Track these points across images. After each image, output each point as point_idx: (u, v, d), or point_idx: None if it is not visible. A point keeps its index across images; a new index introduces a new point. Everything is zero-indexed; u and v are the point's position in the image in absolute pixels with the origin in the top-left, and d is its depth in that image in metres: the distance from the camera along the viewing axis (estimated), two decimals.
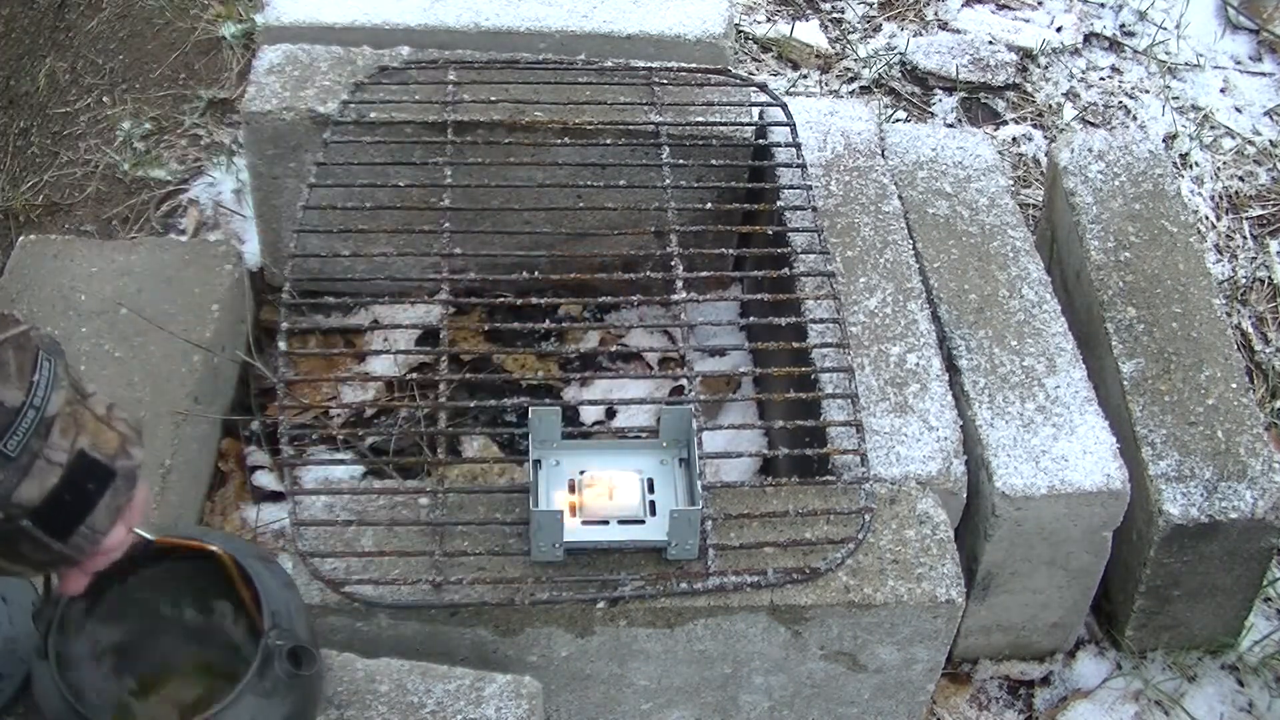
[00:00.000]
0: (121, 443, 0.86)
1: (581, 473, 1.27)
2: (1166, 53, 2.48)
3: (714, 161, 1.66)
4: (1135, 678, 1.56)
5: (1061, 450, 1.41)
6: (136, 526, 0.92)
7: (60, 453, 0.82)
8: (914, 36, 2.46)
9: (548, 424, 1.27)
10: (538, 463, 1.27)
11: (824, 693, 1.35)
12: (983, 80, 2.38)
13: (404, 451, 1.67)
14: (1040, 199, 2.05)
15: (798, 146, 1.64)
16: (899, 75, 2.39)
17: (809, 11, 2.52)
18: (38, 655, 1.00)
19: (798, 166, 1.62)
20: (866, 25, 2.50)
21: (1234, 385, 1.52)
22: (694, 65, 1.73)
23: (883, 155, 1.73)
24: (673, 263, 1.49)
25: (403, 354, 1.73)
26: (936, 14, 2.53)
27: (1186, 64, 2.46)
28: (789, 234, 1.56)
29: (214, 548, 1.05)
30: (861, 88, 2.36)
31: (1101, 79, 2.44)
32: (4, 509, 0.81)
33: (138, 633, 1.10)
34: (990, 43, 2.45)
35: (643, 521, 1.25)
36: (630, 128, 1.63)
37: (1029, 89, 2.39)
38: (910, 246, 1.61)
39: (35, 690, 1.02)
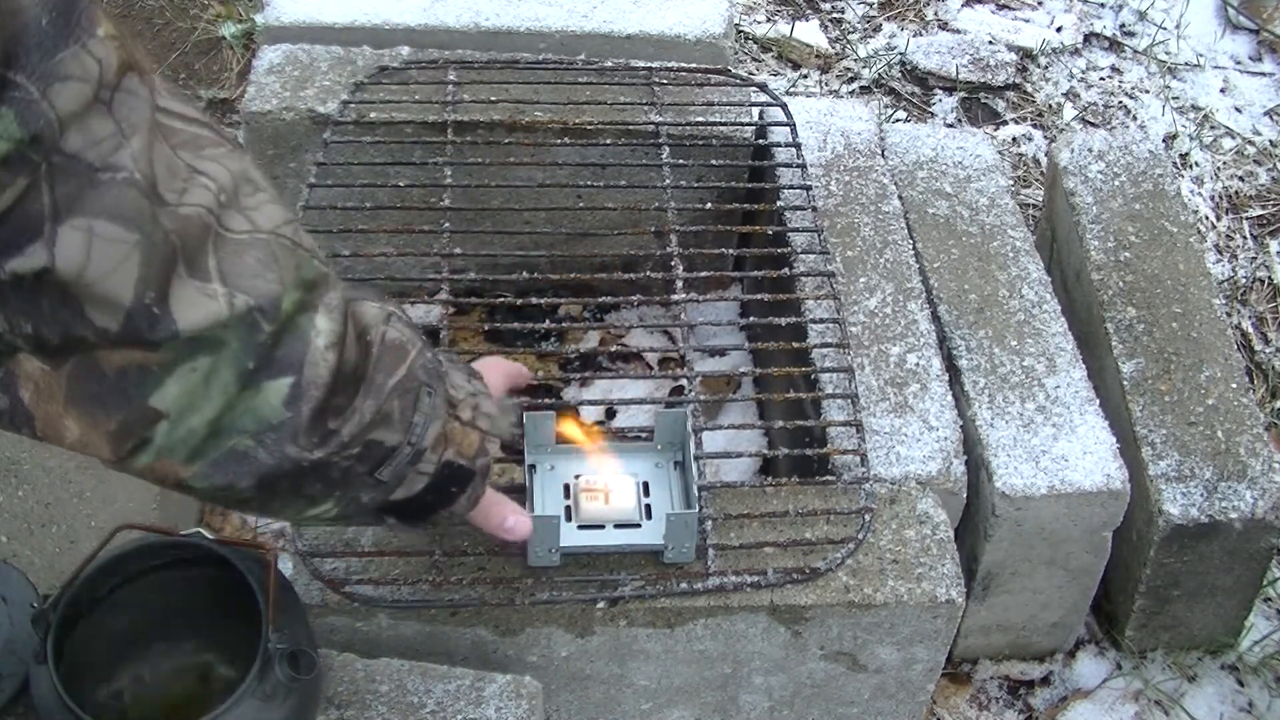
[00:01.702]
0: (481, 442, 0.92)
1: (577, 477, 1.27)
2: (1166, 53, 2.48)
3: (714, 161, 1.66)
4: (1135, 678, 1.57)
5: (1061, 450, 1.41)
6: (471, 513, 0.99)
7: (429, 465, 0.88)
8: (914, 36, 2.46)
9: (542, 428, 1.27)
10: (533, 467, 1.27)
11: (824, 693, 1.35)
12: (983, 80, 2.38)
13: None
14: (1040, 199, 2.05)
15: (798, 146, 1.64)
16: (899, 75, 2.39)
17: (809, 11, 2.52)
18: (36, 660, 1.00)
19: (798, 166, 1.62)
20: (866, 25, 2.50)
21: (1234, 385, 1.52)
22: (694, 65, 1.73)
23: (883, 155, 1.73)
24: (673, 263, 1.49)
25: None
26: (936, 14, 2.53)
27: (1186, 64, 2.47)
28: (789, 234, 1.57)
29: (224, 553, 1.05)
30: (861, 88, 2.36)
31: (1101, 79, 2.44)
32: (373, 512, 0.89)
33: (137, 636, 1.10)
34: (990, 43, 2.45)
35: (639, 525, 1.24)
36: (630, 128, 1.63)
37: (1029, 89, 2.39)
38: (910, 246, 1.61)
39: (34, 693, 1.02)
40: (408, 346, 0.86)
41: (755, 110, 1.71)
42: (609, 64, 1.71)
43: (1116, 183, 1.73)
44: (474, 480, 0.93)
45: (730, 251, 1.71)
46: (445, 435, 0.88)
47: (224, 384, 0.72)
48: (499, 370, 1.05)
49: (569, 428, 1.26)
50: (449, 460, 0.89)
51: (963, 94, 2.36)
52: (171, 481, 0.76)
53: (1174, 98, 2.40)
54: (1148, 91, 2.41)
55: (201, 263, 0.70)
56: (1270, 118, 2.39)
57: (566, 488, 1.26)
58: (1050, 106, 2.36)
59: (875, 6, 2.54)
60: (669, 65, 1.72)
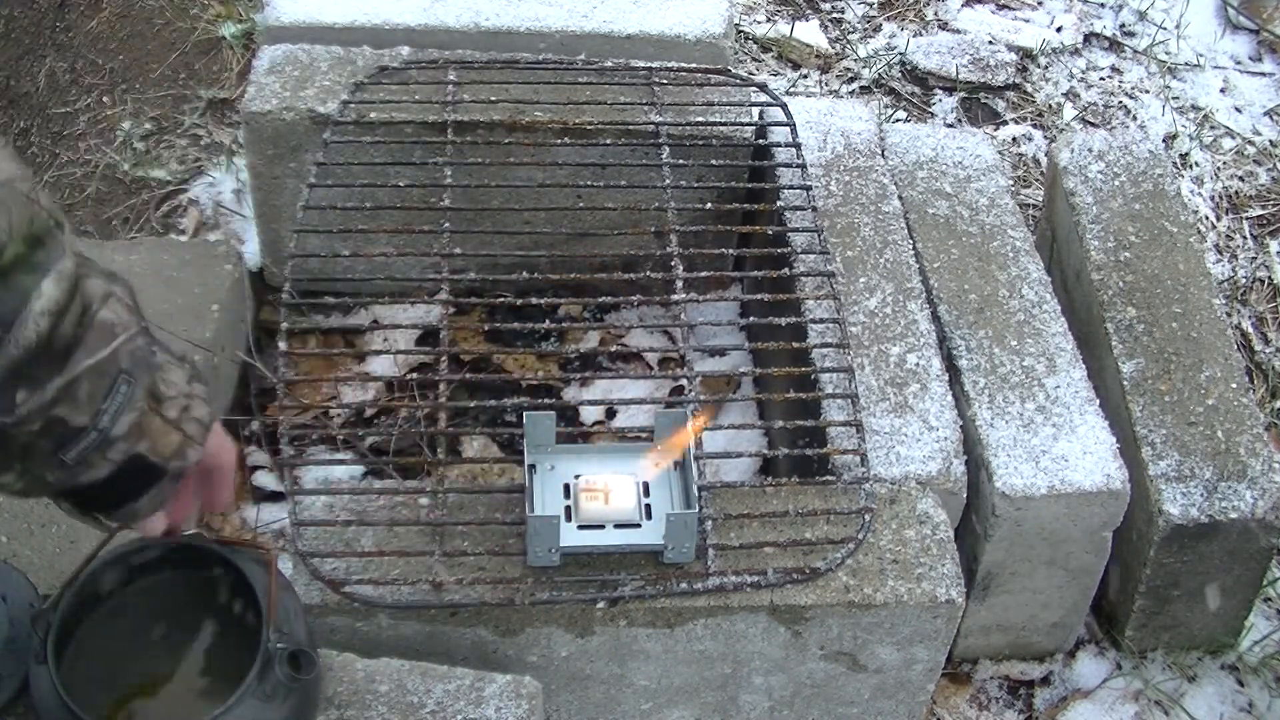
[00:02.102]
0: (181, 445, 0.89)
1: (576, 477, 1.27)
2: (1166, 53, 2.48)
3: (714, 161, 1.66)
4: (1135, 678, 1.56)
5: (1061, 450, 1.41)
6: (179, 519, 0.96)
7: (118, 454, 0.85)
8: (914, 36, 2.46)
9: (542, 428, 1.27)
10: (533, 467, 1.26)
11: (824, 693, 1.35)
12: (983, 80, 2.38)
13: (404, 451, 1.66)
14: (1040, 199, 2.05)
15: (798, 146, 1.64)
16: (899, 75, 2.39)
17: (809, 11, 2.52)
18: (36, 660, 1.00)
19: (798, 166, 1.62)
20: (866, 25, 2.50)
21: (1234, 385, 1.52)
22: (694, 65, 1.73)
23: (883, 155, 1.73)
24: (673, 263, 1.49)
25: (403, 354, 1.73)
26: (936, 14, 2.53)
27: (1186, 64, 2.46)
28: (789, 234, 1.57)
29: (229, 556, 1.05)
30: (861, 88, 2.36)
31: (1101, 79, 2.44)
32: (55, 493, 0.86)
33: (138, 635, 1.10)
34: (990, 43, 2.45)
35: (639, 525, 1.24)
36: (630, 128, 1.63)
37: (1029, 89, 2.39)
38: (910, 246, 1.61)
39: (34, 694, 1.02)
40: (116, 330, 0.82)
41: (755, 110, 1.71)
42: (609, 64, 1.71)
43: (1116, 183, 1.73)
44: (162, 481, 0.89)
45: (730, 251, 1.71)
46: (141, 427, 0.85)
47: None
48: (225, 448, 0.99)
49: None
50: (139, 454, 0.86)
51: (963, 94, 2.36)
52: None
53: (1174, 98, 2.40)
54: (1148, 91, 2.41)
55: None
56: (1270, 118, 2.38)
57: (566, 488, 1.26)
58: (1050, 106, 2.36)
59: (875, 6, 2.54)
60: (669, 65, 1.72)
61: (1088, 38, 2.52)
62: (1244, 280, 2.10)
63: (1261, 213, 2.21)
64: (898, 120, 2.27)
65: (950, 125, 2.30)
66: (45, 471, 0.83)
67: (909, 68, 2.41)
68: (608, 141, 1.63)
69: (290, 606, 1.06)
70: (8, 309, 0.74)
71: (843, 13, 2.52)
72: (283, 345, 1.37)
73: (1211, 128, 2.34)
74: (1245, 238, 2.17)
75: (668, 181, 1.58)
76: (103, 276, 0.83)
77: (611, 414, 1.73)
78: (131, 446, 0.85)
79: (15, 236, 0.73)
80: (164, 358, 0.89)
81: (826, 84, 2.37)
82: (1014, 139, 2.29)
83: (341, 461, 1.62)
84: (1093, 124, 2.33)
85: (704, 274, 1.54)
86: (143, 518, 0.91)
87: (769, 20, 2.48)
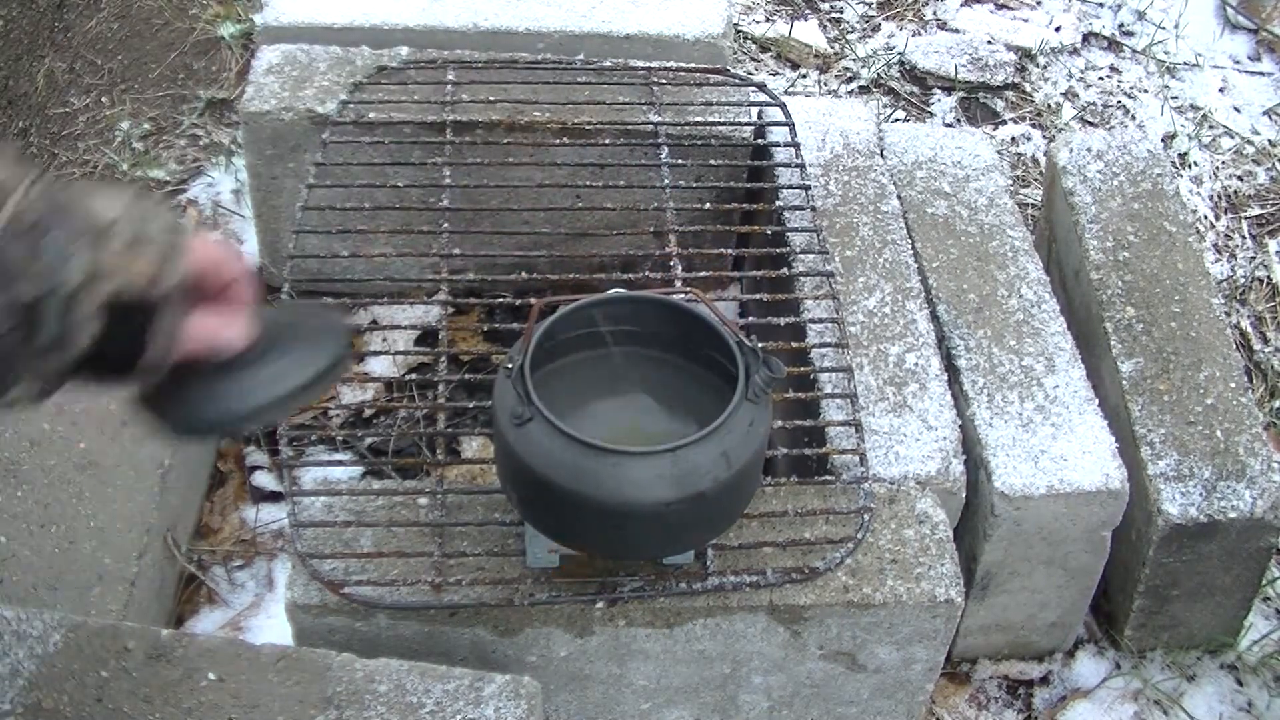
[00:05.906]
0: (158, 263, 0.79)
1: None
2: (1165, 52, 2.48)
3: (713, 161, 1.66)
4: (1134, 677, 1.57)
5: (1060, 450, 1.41)
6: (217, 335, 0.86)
7: (89, 308, 0.76)
8: (913, 36, 2.46)
9: None
10: None
11: (823, 692, 1.35)
12: (982, 80, 2.38)
13: (403, 452, 1.66)
14: (1039, 199, 2.05)
15: (796, 146, 1.64)
16: (898, 75, 2.39)
17: (808, 11, 2.52)
18: (515, 420, 1.07)
19: (796, 166, 1.62)
20: (865, 25, 2.50)
21: (1233, 385, 1.52)
22: (693, 65, 1.73)
23: (881, 155, 1.73)
24: (672, 263, 1.49)
25: (402, 354, 1.73)
26: (935, 14, 2.53)
27: (1185, 64, 2.47)
28: (788, 234, 1.57)
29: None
30: (860, 88, 2.36)
31: (1100, 79, 2.44)
32: (71, 378, 0.79)
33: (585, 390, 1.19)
34: (989, 42, 2.45)
35: None
36: (629, 128, 1.63)
37: (1028, 89, 2.39)
38: (909, 246, 1.61)
39: (511, 453, 1.07)
40: (6, 188, 0.74)
41: (754, 110, 1.71)
42: (608, 64, 1.71)
43: (1115, 182, 1.73)
44: (163, 313, 0.80)
45: (729, 251, 1.71)
46: (97, 266, 0.75)
47: None
48: (217, 248, 0.87)
49: None
50: (111, 293, 0.76)
51: (961, 94, 2.36)
52: None
53: (1173, 97, 2.40)
54: (1146, 91, 2.41)
55: None
56: (1269, 117, 2.39)
57: None
58: (1049, 106, 2.36)
59: (874, 6, 2.54)
60: (668, 65, 1.72)
61: (1086, 37, 2.52)
62: (1243, 280, 2.10)
63: (1260, 212, 2.21)
64: (896, 120, 2.27)
65: (949, 125, 2.30)
66: (37, 364, 0.75)
67: (908, 67, 2.41)
68: (606, 141, 1.63)
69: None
70: None
71: (841, 12, 2.52)
72: None
73: (1210, 127, 2.34)
74: (1244, 237, 2.17)
75: (666, 181, 1.58)
76: None
77: None
78: (98, 293, 0.76)
79: None
80: (81, 195, 0.78)
81: (825, 84, 2.37)
82: (1013, 139, 2.29)
83: (340, 462, 1.62)
84: (1091, 124, 2.34)
85: (703, 274, 1.54)
86: (164, 358, 0.82)
87: (768, 20, 2.48)
